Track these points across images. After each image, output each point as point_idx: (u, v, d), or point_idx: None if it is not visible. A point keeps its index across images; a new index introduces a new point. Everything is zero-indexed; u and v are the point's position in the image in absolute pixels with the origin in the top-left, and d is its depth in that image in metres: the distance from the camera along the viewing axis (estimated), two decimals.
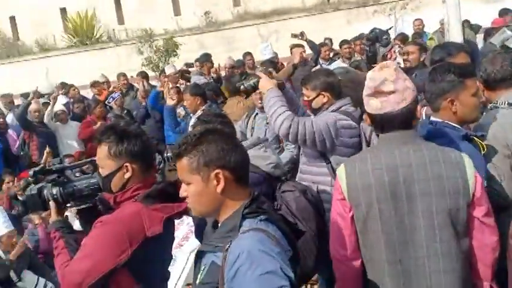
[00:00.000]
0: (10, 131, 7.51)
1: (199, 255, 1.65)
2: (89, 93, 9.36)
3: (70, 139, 7.16)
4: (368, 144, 2.92)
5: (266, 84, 3.01)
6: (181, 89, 6.73)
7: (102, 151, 1.97)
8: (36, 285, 4.54)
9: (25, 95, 9.00)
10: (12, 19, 17.20)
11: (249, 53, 8.53)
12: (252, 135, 4.43)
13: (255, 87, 3.17)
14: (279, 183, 2.71)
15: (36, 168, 2.17)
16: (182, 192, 1.64)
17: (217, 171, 1.56)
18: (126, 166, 1.95)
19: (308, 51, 7.89)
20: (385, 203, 1.90)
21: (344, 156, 2.82)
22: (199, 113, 4.87)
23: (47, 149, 6.29)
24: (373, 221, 1.92)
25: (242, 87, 3.20)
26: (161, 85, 6.68)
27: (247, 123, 4.61)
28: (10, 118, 8.41)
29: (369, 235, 1.95)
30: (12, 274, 4.56)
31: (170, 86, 6.14)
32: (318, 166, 2.98)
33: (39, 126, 6.98)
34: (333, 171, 2.81)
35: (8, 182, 6.16)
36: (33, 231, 5.14)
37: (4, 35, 16.98)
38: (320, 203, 2.70)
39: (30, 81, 11.91)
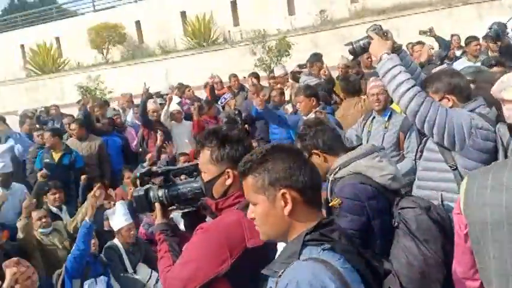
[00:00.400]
0: (129, 129, 7.93)
1: (264, 278, 1.53)
2: (202, 94, 9.56)
3: (184, 138, 7.43)
4: (505, 152, 2.46)
5: (379, 47, 2.67)
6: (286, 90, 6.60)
7: (205, 156, 1.95)
8: (150, 278, 4.70)
9: (157, 94, 9.48)
10: (138, 23, 18.44)
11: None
12: (368, 140, 4.12)
13: (365, 49, 2.85)
14: (397, 197, 2.40)
15: (143, 170, 2.20)
16: (249, 214, 1.55)
17: (283, 191, 1.46)
18: (228, 172, 1.91)
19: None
20: (499, 227, 1.69)
21: (475, 161, 2.46)
22: (311, 115, 4.67)
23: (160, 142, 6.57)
24: (486, 244, 1.75)
25: (350, 47, 2.91)
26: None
27: (363, 127, 4.29)
28: (130, 116, 8.88)
29: (481, 257, 1.78)
30: (128, 265, 4.77)
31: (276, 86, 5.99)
32: (440, 171, 2.61)
33: (157, 124, 7.26)
34: (461, 178, 2.44)
35: (128, 178, 6.49)
36: (149, 223, 5.26)
37: (130, 38, 18.27)
38: (447, 221, 2.31)
39: (152, 82, 12.55)
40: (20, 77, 19.84)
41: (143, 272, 4.78)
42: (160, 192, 2.12)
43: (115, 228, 4.84)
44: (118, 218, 4.79)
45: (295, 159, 1.50)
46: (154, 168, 2.25)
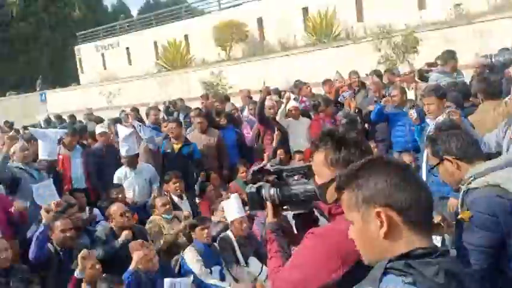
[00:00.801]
0: (245, 124, 8.03)
1: None
2: (321, 91, 9.33)
3: (300, 135, 7.30)
4: None
5: None
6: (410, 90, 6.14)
7: (319, 158, 1.87)
8: (261, 272, 4.78)
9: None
10: (260, 20, 18.76)
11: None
12: (508, 148, 3.72)
13: (505, 65, 2.54)
14: None
15: (256, 168, 2.22)
16: (350, 233, 1.41)
17: (378, 210, 1.29)
18: None
19: None
20: None
21: None
22: (440, 118, 4.30)
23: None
24: None
25: (488, 61, 2.63)
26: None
27: (505, 133, 3.83)
28: (246, 111, 9.02)
29: None
30: (240, 257, 4.89)
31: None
32: None
33: (273, 122, 7.26)
34: None
35: (242, 172, 6.59)
36: (261, 220, 5.28)
37: (252, 35, 18.67)
38: None
39: (271, 79, 12.69)
40: (153, 72, 21.41)
41: (255, 265, 4.85)
42: (272, 191, 2.07)
43: (228, 220, 4.97)
44: (231, 210, 4.92)
45: (396, 175, 1.32)
46: (267, 166, 2.23)
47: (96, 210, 5.85)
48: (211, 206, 6.20)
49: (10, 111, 22.78)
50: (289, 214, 2.25)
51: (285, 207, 2.13)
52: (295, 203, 2.08)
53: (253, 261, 4.93)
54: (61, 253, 4.29)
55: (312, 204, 2.08)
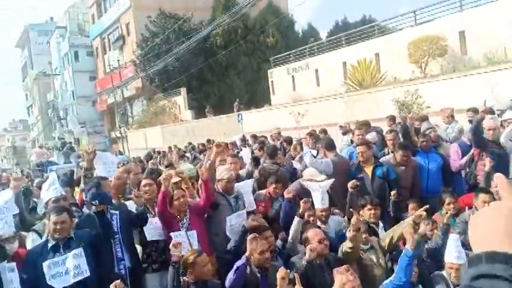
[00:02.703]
0: (453, 145, 7.20)
1: None
2: None
3: None
4: None
5: None
6: None
7: None
8: None
9: (472, 110, 8.56)
10: (462, 34, 17.11)
11: None
12: None
13: None
14: None
15: None
16: None
17: None
18: None
19: None
20: None
21: None
22: None
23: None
24: None
25: None
26: None
27: None
28: (449, 131, 8.09)
29: None
30: None
31: None
32: None
33: (491, 145, 6.32)
34: None
35: (448, 204, 5.86)
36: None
37: (452, 50, 17.10)
38: None
39: (472, 96, 11.37)
40: (340, 92, 21.34)
41: None
42: None
43: (446, 260, 4.47)
44: (450, 251, 4.42)
45: None
46: None
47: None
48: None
49: (212, 130, 25.27)
50: None
51: None
52: None
53: None
54: (258, 274, 4.24)
55: None
